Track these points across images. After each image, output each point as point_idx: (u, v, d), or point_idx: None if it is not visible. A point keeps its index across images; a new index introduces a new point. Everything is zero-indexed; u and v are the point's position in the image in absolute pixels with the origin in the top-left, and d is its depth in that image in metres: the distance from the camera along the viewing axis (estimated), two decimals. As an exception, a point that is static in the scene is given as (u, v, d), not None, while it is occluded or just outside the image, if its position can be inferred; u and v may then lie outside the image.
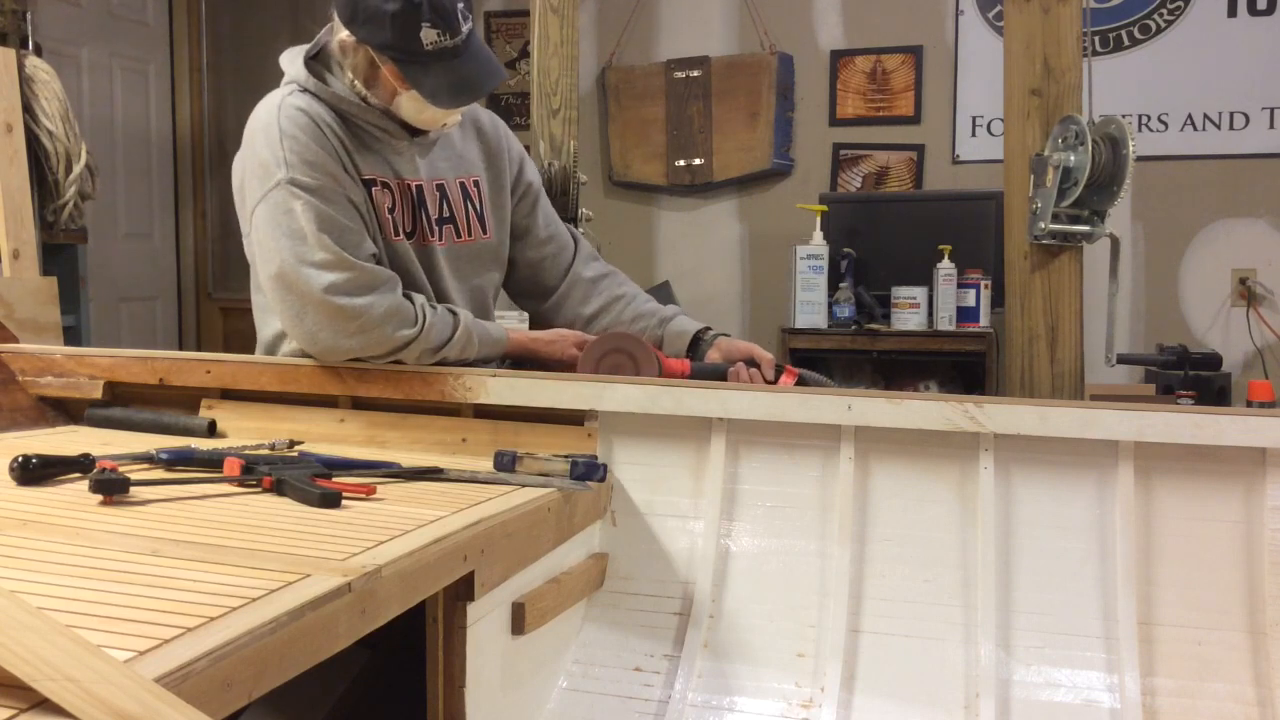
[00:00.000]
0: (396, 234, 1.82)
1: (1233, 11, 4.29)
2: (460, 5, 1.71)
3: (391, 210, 1.83)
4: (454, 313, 1.81)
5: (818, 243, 3.94)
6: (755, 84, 4.58)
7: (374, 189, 1.80)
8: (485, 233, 1.96)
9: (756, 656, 1.59)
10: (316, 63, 1.85)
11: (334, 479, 1.44)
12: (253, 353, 1.95)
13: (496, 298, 2.06)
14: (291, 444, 1.72)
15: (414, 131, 1.84)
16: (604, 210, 4.60)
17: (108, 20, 4.50)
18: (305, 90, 1.80)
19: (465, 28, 1.71)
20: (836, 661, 1.54)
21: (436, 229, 1.88)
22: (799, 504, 1.67)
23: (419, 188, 1.86)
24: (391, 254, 1.82)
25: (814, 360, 3.84)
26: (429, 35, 1.69)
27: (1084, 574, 1.56)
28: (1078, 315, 1.96)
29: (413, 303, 1.76)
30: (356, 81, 1.80)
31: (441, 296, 1.89)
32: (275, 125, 1.74)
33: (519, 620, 1.43)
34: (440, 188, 1.89)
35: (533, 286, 2.09)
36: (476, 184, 1.95)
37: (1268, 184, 4.28)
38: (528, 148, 2.24)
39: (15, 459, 1.40)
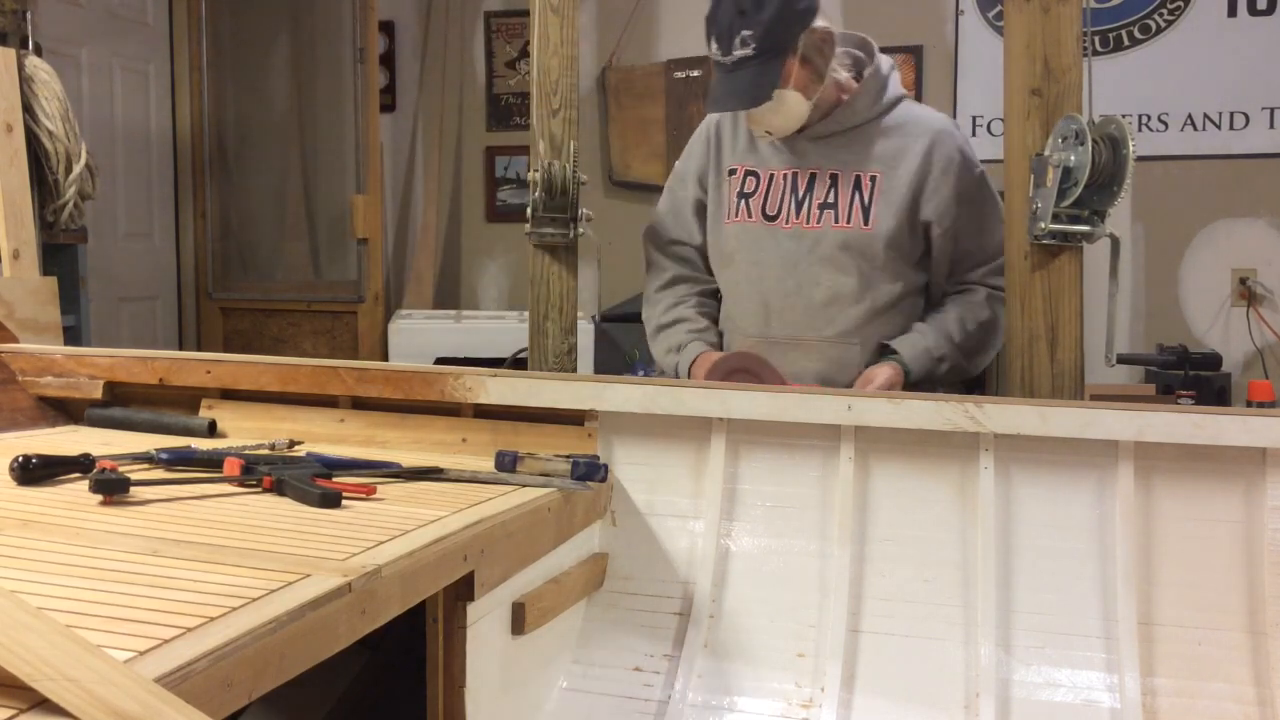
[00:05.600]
0: (737, 216, 2.11)
1: (1233, 11, 4.28)
2: (744, 34, 1.90)
3: (749, 195, 2.10)
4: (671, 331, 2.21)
5: (818, 243, 3.93)
6: (755, 84, 4.58)
7: (733, 176, 2.14)
8: (866, 224, 2.03)
9: (756, 656, 1.59)
10: None
11: (334, 479, 1.44)
12: (251, 352, 1.96)
13: (901, 301, 2.10)
14: (291, 444, 1.72)
15: (803, 125, 2.05)
16: (604, 210, 4.59)
17: (108, 20, 4.50)
18: None
19: (737, 53, 1.92)
20: (836, 661, 1.54)
21: (819, 213, 2.05)
22: (799, 504, 1.66)
23: (795, 175, 2.09)
24: (727, 233, 2.14)
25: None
26: (711, 46, 1.98)
27: (1084, 574, 1.56)
28: (1078, 315, 1.96)
29: (663, 298, 2.22)
30: None
31: (763, 273, 2.10)
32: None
33: (519, 620, 1.43)
34: (834, 177, 2.06)
35: None
36: (873, 179, 2.05)
37: (1268, 184, 4.28)
38: (526, 148, 2.23)
39: (15, 459, 1.40)
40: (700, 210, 2.22)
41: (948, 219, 2.05)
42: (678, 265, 2.27)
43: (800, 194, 2.07)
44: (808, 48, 1.96)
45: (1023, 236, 1.97)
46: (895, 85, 2.11)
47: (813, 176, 2.07)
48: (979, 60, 4.48)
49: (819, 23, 1.97)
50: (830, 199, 2.05)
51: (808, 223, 2.06)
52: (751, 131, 2.12)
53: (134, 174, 4.68)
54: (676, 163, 2.29)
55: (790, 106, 1.99)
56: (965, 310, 2.09)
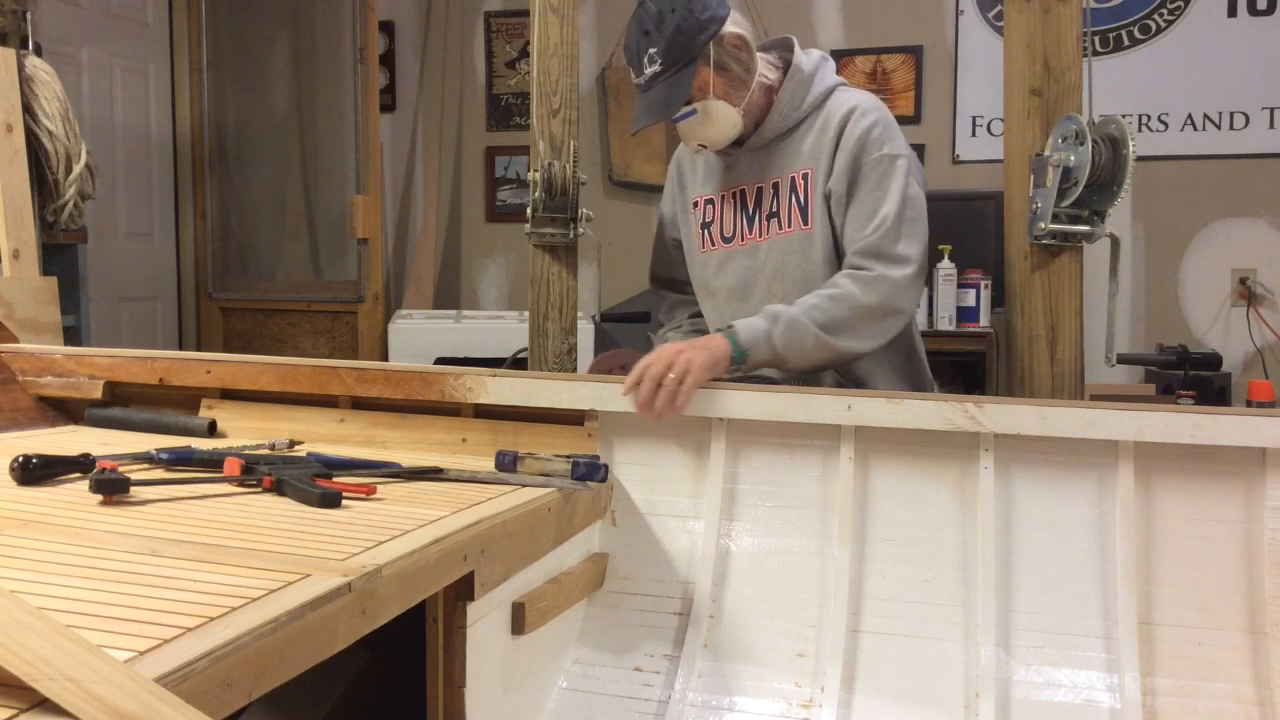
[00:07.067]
0: (704, 247, 2.11)
1: (1233, 11, 4.29)
2: (650, 51, 1.91)
3: (709, 223, 2.10)
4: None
5: (818, 243, 3.93)
6: (755, 84, 4.58)
7: (695, 208, 2.13)
8: (806, 224, 1.99)
9: (756, 656, 1.59)
10: None
11: (334, 479, 1.44)
12: (251, 352, 1.96)
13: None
14: (291, 444, 1.72)
15: (740, 140, 2.02)
16: (604, 210, 4.60)
17: (108, 20, 4.50)
18: None
19: (648, 71, 1.92)
20: (836, 661, 1.54)
21: (766, 224, 2.03)
22: (799, 504, 1.66)
23: (742, 192, 2.06)
24: (699, 265, 2.13)
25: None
26: (631, 73, 1.98)
27: (1084, 574, 1.56)
28: (1078, 315, 1.96)
29: (661, 326, 2.29)
30: None
31: (729, 295, 2.08)
32: None
33: (519, 620, 1.43)
34: (776, 185, 2.03)
35: None
36: (805, 177, 2.01)
37: (1268, 184, 4.28)
38: (526, 148, 2.23)
39: (15, 459, 1.40)
40: (681, 249, 2.23)
41: (834, 192, 1.96)
42: (678, 294, 2.29)
43: (750, 209, 2.05)
44: (720, 55, 1.93)
45: (1023, 236, 1.97)
46: (826, 77, 2.04)
47: (759, 189, 2.04)
48: (979, 60, 4.48)
49: (730, 29, 1.93)
50: (774, 208, 2.02)
51: (759, 237, 2.04)
52: (707, 157, 2.11)
53: (134, 174, 4.68)
54: (658, 209, 2.31)
55: (717, 115, 1.95)
56: (824, 286, 1.96)
